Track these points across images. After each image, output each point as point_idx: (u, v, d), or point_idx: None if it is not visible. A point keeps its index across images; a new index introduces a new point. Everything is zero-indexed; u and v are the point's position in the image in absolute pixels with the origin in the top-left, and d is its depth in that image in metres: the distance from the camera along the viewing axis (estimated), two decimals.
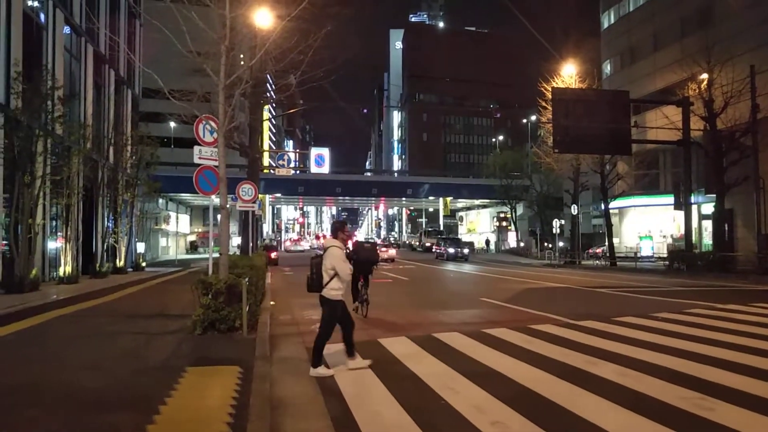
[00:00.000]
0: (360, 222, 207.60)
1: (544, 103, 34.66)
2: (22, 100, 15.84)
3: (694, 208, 30.63)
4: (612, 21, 44.92)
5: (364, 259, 12.10)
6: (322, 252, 7.07)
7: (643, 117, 37.02)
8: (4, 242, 16.02)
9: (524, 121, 63.24)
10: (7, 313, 11.06)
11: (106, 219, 24.10)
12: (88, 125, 21.21)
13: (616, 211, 40.74)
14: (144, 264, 28.40)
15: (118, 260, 24.17)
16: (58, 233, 20.21)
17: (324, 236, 67.33)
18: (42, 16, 19.52)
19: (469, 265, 35.33)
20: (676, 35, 36.16)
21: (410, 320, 11.12)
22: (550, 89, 32.33)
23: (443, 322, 10.68)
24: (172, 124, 50.20)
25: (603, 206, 35.62)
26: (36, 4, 19.32)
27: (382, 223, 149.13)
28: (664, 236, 38.45)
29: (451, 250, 43.02)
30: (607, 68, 45.03)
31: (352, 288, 12.16)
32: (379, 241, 63.12)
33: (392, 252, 43.50)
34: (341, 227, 7.33)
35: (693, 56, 27.94)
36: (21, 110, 15.77)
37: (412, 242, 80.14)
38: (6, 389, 5.63)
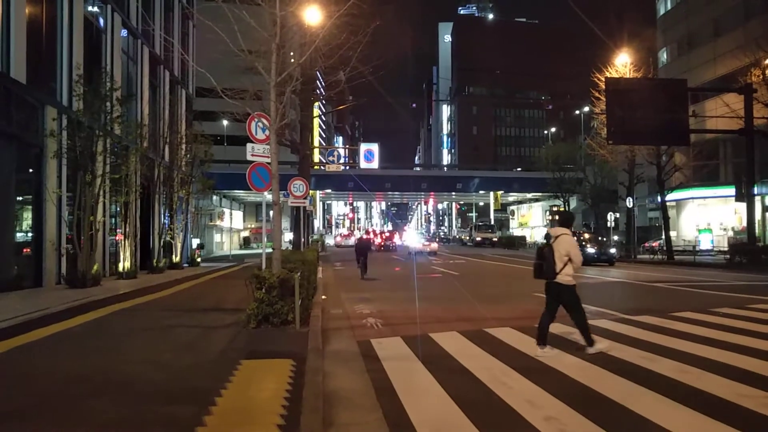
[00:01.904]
0: (409, 217, 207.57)
1: (597, 94, 33.91)
2: (83, 102, 16.42)
3: (758, 199, 29.47)
4: (668, 7, 43.51)
5: (362, 247, 22.20)
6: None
7: (702, 106, 35.75)
8: (68, 239, 16.68)
9: (577, 112, 62.02)
10: (73, 307, 11.52)
11: (162, 216, 24.79)
12: (144, 125, 21.86)
13: (674, 203, 39.51)
14: (199, 259, 29.10)
15: (174, 256, 24.83)
16: (118, 230, 20.91)
17: (374, 231, 67.66)
18: (101, 21, 20.19)
19: (520, 259, 34.77)
20: (739, 19, 34.75)
21: (460, 315, 11.07)
22: (603, 79, 31.57)
23: (493, 317, 10.57)
24: (225, 123, 51.23)
25: (659, 199, 34.55)
26: (95, 9, 19.98)
27: (431, 218, 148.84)
28: (725, 229, 37.10)
29: (591, 251, 29.05)
30: (664, 56, 43.65)
31: (357, 261, 21.61)
32: (427, 236, 63.30)
33: (434, 245, 44.93)
34: (572, 218, 8.10)
35: (757, 41, 26.76)
36: (82, 112, 16.35)
37: (462, 237, 79.63)
38: (73, 378, 5.88)
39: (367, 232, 58.62)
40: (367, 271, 21.27)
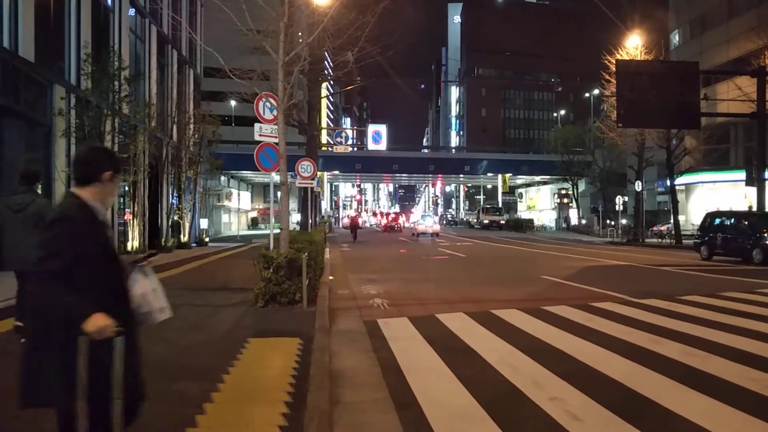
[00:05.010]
0: (417, 199, 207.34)
1: (607, 76, 33.60)
2: (92, 81, 16.41)
3: None
4: None
5: (353, 224, 38.09)
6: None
7: (714, 89, 35.36)
8: None
9: (587, 95, 61.52)
10: None
11: (170, 196, 24.86)
12: (152, 104, 21.84)
13: (683, 187, 39.30)
14: (207, 239, 29.22)
15: (182, 236, 24.94)
16: (126, 209, 21.01)
17: (381, 213, 68.22)
18: (109, 0, 20.10)
19: (528, 242, 34.85)
20: (752, 0, 34.23)
21: (467, 296, 11.10)
22: (614, 61, 31.26)
23: (501, 299, 10.61)
24: (233, 103, 51.11)
25: (669, 182, 34.38)
26: None
27: (439, 200, 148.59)
28: None
29: None
30: (676, 38, 43.13)
31: (351, 231, 36.83)
32: (437, 218, 63.70)
33: (436, 227, 44.90)
34: None
35: None
36: (90, 91, 16.36)
37: (470, 219, 79.54)
38: None
39: (374, 214, 59.74)
40: (357, 238, 34.64)
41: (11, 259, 6.34)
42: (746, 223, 20.41)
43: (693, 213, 39.97)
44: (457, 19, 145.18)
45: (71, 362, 2.37)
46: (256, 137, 11.23)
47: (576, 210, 59.41)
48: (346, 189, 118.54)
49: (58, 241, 2.30)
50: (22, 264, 6.01)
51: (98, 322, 2.31)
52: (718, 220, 21.98)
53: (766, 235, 18.58)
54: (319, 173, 32.80)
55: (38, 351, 2.44)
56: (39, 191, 7.23)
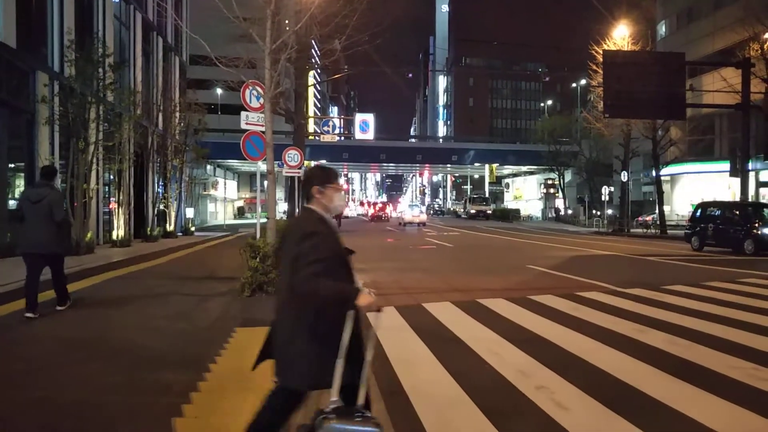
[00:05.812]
0: (404, 189, 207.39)
1: (594, 67, 33.71)
2: (75, 68, 16.21)
3: (752, 174, 29.56)
4: None
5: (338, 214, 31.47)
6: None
7: (699, 80, 35.58)
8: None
9: (574, 85, 61.72)
10: (67, 274, 11.48)
11: (156, 184, 24.67)
12: (137, 92, 21.62)
13: (668, 177, 39.61)
14: (193, 228, 29.05)
15: (168, 225, 24.78)
16: (111, 198, 20.82)
17: (369, 203, 68.23)
18: None
19: (515, 232, 35.01)
20: None
21: (454, 286, 11.13)
22: (601, 52, 31.35)
23: (487, 288, 10.64)
24: (219, 91, 50.61)
25: (654, 173, 34.63)
26: None
27: (426, 190, 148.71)
28: None
29: None
30: (662, 29, 43.29)
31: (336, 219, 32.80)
32: (424, 208, 63.97)
33: (423, 217, 45.32)
34: None
35: (757, 14, 26.55)
36: (74, 78, 16.15)
37: (457, 209, 79.75)
38: (70, 345, 5.92)
39: (362, 204, 59.90)
40: (340, 226, 29.89)
41: (27, 243, 7.30)
42: (738, 213, 20.24)
43: (678, 203, 40.35)
44: (445, 8, 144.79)
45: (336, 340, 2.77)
46: (243, 126, 11.16)
47: (562, 200, 59.72)
48: None
49: (317, 249, 2.77)
50: (35, 248, 7.24)
51: (368, 299, 2.78)
52: (709, 211, 21.53)
53: (757, 225, 18.46)
54: (306, 162, 32.71)
55: (314, 335, 2.85)
56: (56, 186, 8.60)
